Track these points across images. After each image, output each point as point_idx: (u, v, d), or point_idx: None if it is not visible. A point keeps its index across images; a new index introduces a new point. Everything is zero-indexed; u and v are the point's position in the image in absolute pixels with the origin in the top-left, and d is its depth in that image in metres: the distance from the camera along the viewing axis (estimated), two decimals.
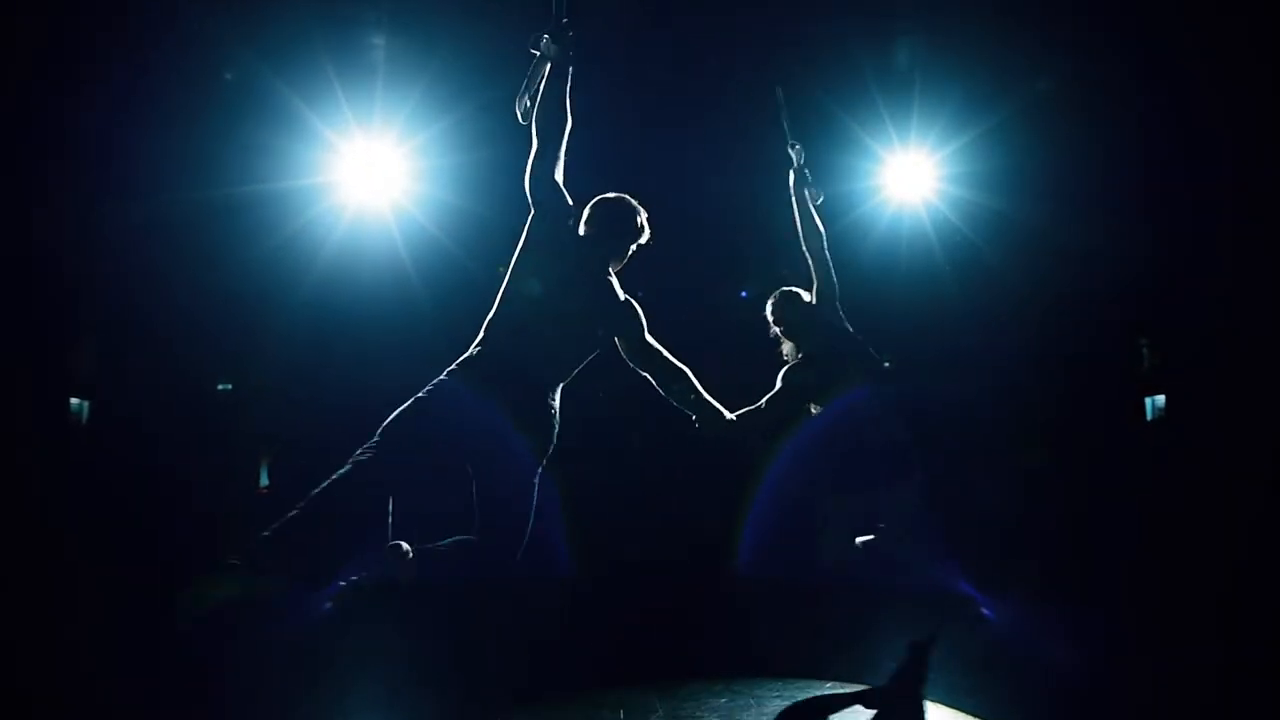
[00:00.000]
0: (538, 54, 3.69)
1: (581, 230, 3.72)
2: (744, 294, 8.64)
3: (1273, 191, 6.52)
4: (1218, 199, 6.92)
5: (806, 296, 5.03)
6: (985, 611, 5.99)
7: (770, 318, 5.01)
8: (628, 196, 3.85)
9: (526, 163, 3.63)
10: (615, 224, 3.75)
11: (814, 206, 5.14)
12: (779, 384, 4.75)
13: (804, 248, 5.07)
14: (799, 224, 5.10)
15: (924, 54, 7.18)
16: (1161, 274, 7.36)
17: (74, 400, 6.94)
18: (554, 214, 3.61)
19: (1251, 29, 6.08)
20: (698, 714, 3.73)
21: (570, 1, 3.79)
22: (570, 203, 3.69)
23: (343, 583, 6.49)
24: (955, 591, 6.44)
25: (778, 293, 5.03)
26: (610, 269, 3.78)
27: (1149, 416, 7.92)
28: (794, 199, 5.16)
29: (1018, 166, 7.34)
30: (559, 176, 3.66)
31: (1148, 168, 7.24)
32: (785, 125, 5.40)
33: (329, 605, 6.64)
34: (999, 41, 6.89)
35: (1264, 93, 6.29)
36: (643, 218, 3.83)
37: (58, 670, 4.35)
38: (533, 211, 3.63)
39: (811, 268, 5.02)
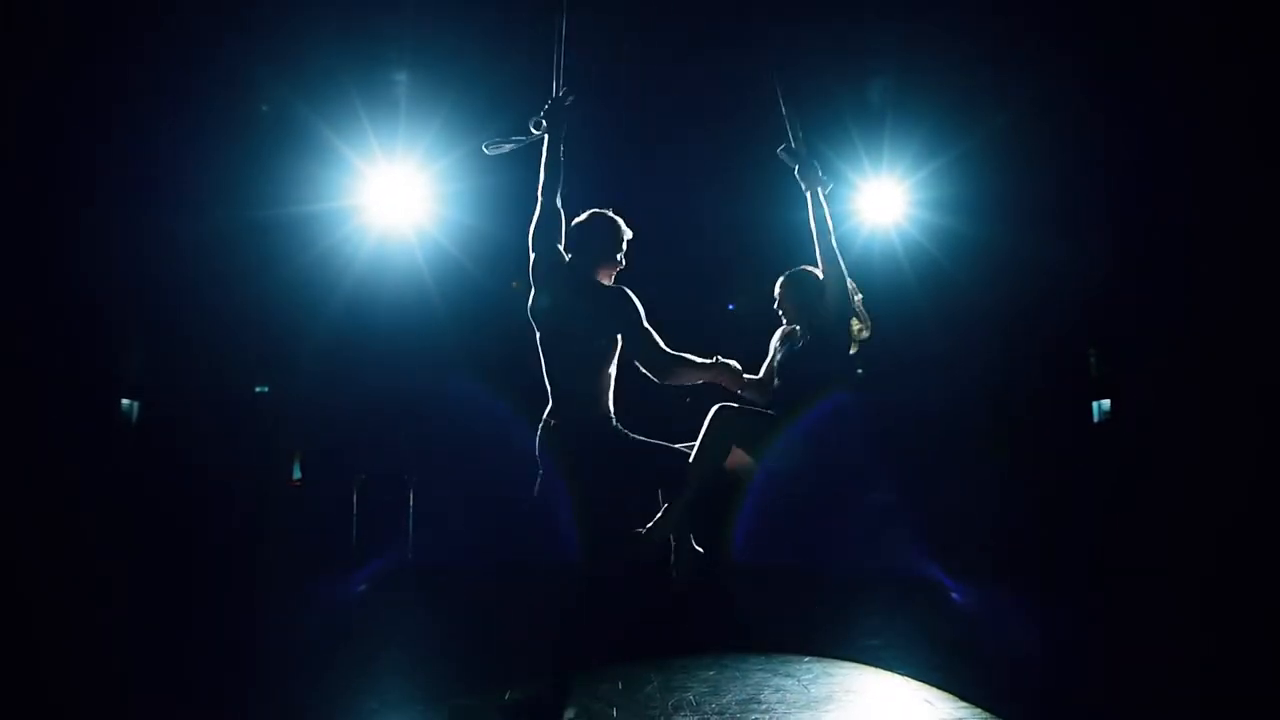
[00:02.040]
0: (537, 132, 3.89)
1: (567, 256, 3.87)
2: (731, 306, 8.66)
3: (1212, 215, 6.60)
4: (1161, 222, 7.01)
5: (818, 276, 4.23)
6: (954, 596, 6.05)
7: (778, 297, 4.33)
8: (601, 211, 3.93)
9: (532, 219, 3.78)
10: (590, 240, 3.86)
11: (824, 196, 4.23)
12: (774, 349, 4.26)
13: (815, 247, 4.22)
14: (812, 221, 4.22)
15: (895, 91, 7.26)
16: (1108, 291, 7.43)
17: (124, 401, 6.98)
18: (549, 263, 3.75)
19: (1201, 61, 6.14)
20: (688, 684, 3.78)
21: (567, 72, 3.98)
22: (564, 254, 3.85)
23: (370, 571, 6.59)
24: (926, 578, 6.51)
25: (789, 272, 4.31)
26: (601, 279, 3.90)
27: (1095, 419, 7.98)
28: (806, 193, 4.24)
29: (979, 192, 7.40)
30: (559, 227, 3.80)
31: (1098, 192, 7.32)
32: (785, 114, 4.40)
33: (362, 588, 6.71)
34: (963, 80, 6.97)
35: (1209, 121, 6.36)
36: (615, 224, 3.91)
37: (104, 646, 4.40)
38: (532, 258, 3.78)
39: (822, 267, 4.21)
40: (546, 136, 3.87)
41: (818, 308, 4.18)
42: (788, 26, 6.28)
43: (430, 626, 5.47)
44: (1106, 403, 7.90)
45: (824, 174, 4.23)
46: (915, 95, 7.14)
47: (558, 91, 4.01)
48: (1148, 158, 6.90)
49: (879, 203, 7.59)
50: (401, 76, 6.50)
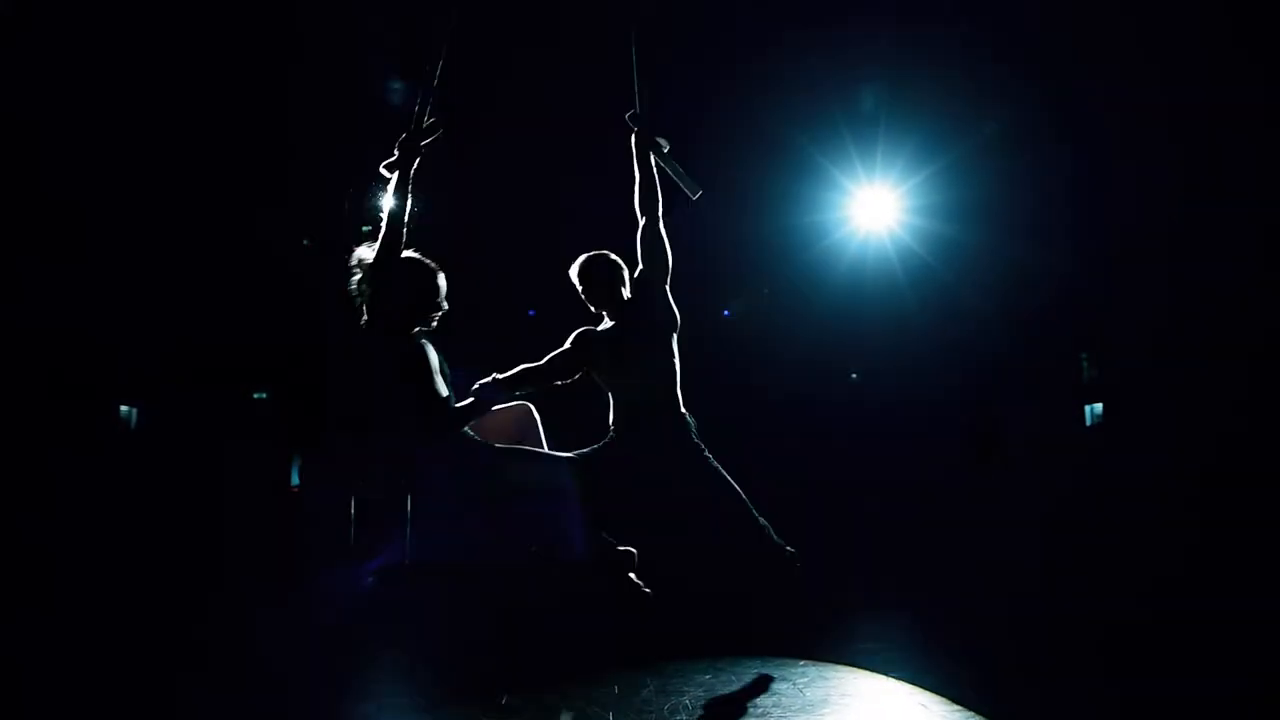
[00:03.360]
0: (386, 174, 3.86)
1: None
2: (726, 313, 8.65)
3: (1201, 219, 6.61)
4: (1151, 229, 7.01)
5: (625, 271, 4.21)
6: (950, 593, 6.03)
7: (577, 278, 4.22)
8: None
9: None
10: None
11: (655, 161, 4.14)
12: (569, 344, 4.13)
13: (639, 210, 4.10)
14: (639, 183, 4.11)
15: (888, 100, 7.26)
16: (1100, 296, 7.43)
17: (123, 407, 6.95)
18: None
19: (1191, 69, 6.16)
20: (684, 689, 3.75)
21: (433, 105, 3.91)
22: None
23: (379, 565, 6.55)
24: (921, 573, 6.51)
25: (594, 255, 4.22)
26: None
27: (1088, 423, 7.97)
28: (635, 157, 4.15)
29: (972, 199, 7.40)
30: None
31: (1089, 199, 7.33)
32: (635, 78, 4.26)
33: (371, 580, 6.66)
34: (955, 89, 6.97)
35: (1195, 132, 6.38)
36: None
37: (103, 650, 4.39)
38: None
39: (645, 230, 4.09)
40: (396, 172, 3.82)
41: (621, 284, 4.16)
42: (783, 34, 6.30)
43: (426, 630, 5.44)
44: (1099, 406, 7.89)
45: (661, 140, 4.19)
46: (908, 104, 7.15)
47: (422, 121, 3.88)
48: (1140, 164, 6.92)
49: (873, 209, 7.59)
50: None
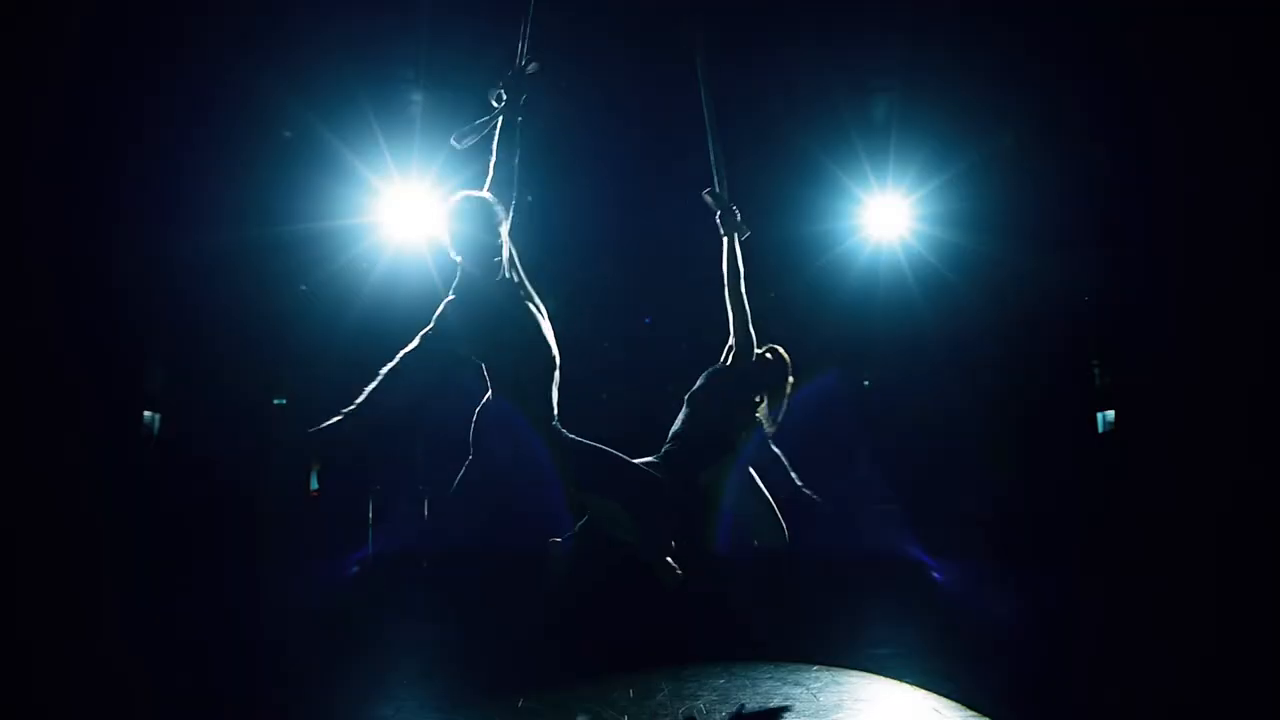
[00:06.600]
0: (498, 106, 3.50)
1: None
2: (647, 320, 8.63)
3: (1211, 229, 6.57)
4: (1162, 236, 6.97)
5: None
6: (936, 575, 6.00)
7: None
8: None
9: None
10: None
11: (739, 244, 3.99)
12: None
13: (725, 291, 3.96)
14: (724, 266, 3.96)
15: (900, 107, 7.23)
16: (1112, 303, 7.39)
17: (147, 413, 7.01)
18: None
19: (1198, 74, 6.13)
20: (698, 693, 3.76)
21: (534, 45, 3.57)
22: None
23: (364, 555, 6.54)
24: (910, 558, 6.50)
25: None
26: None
27: (1100, 429, 7.92)
28: (723, 239, 3.98)
29: (984, 207, 7.37)
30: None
31: (1100, 207, 7.29)
32: (713, 158, 4.13)
33: (354, 571, 6.71)
34: (967, 96, 6.95)
35: (1204, 139, 6.35)
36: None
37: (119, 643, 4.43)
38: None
39: (731, 313, 3.95)
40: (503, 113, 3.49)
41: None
42: (793, 43, 6.31)
43: (444, 633, 5.47)
44: (1111, 413, 7.85)
45: (742, 221, 4.02)
46: (919, 112, 7.13)
47: (521, 60, 3.58)
48: (1149, 169, 6.89)
49: (884, 218, 7.57)
50: (417, 96, 6.53)
